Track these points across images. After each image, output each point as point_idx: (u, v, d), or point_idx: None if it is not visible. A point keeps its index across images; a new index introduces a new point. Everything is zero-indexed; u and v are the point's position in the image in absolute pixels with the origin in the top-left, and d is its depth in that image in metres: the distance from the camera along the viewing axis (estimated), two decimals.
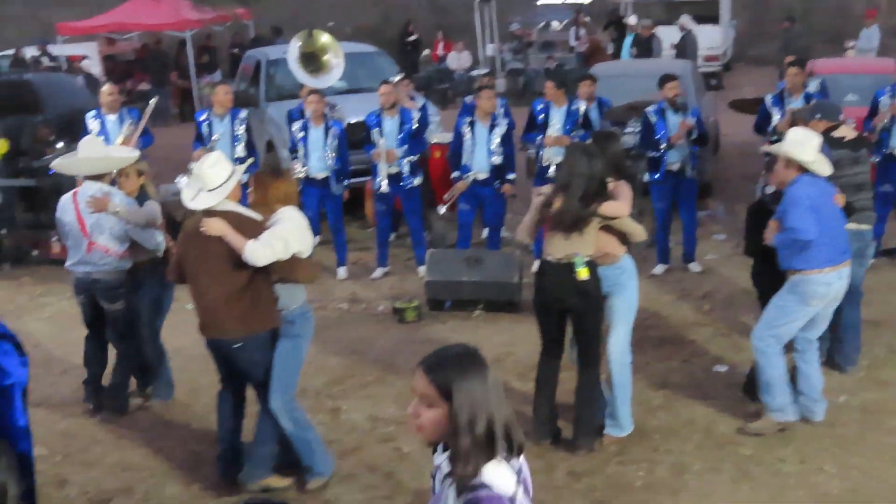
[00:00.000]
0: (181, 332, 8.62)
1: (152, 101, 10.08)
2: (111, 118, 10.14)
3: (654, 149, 9.55)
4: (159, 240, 6.89)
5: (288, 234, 5.49)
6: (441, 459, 2.87)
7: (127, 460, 6.35)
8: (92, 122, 10.12)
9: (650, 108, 9.64)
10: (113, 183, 6.91)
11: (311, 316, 5.92)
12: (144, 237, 6.81)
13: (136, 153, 7.27)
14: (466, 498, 2.72)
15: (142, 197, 6.94)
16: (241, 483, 5.80)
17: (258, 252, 5.38)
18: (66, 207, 6.83)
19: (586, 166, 5.83)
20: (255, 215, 5.60)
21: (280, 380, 5.72)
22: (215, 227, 5.46)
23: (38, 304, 9.58)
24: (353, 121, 11.28)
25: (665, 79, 9.61)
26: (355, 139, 10.65)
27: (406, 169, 9.93)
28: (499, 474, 2.77)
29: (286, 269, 5.55)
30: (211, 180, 5.50)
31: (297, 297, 5.81)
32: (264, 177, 5.81)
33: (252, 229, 5.47)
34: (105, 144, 7.19)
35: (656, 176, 9.63)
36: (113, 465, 6.28)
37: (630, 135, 10.61)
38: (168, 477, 6.11)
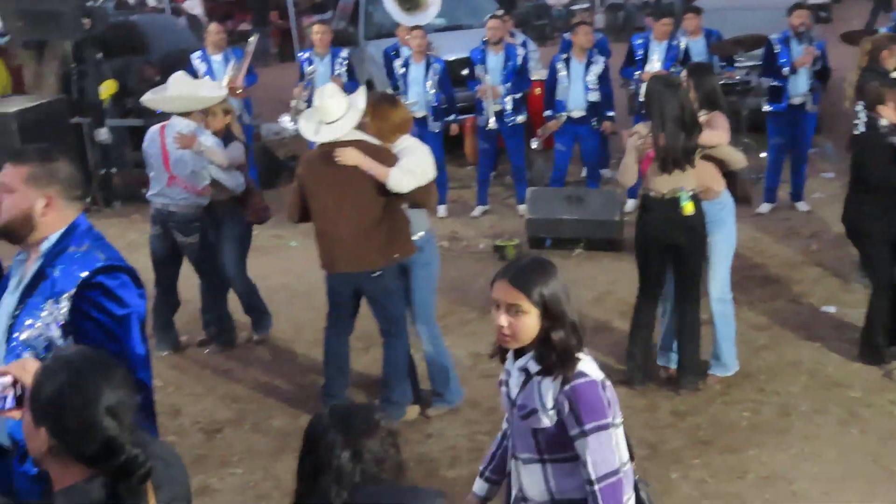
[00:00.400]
0: (283, 269, 8.81)
1: (252, 39, 10.18)
2: (216, 58, 10.29)
3: (777, 76, 9.30)
4: (240, 181, 6.98)
5: (423, 161, 5.52)
6: (522, 363, 3.06)
7: (236, 392, 6.54)
8: (197, 63, 10.28)
9: (774, 37, 9.40)
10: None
11: (435, 242, 6.02)
12: (225, 177, 6.90)
13: (223, 92, 7.37)
14: (570, 386, 2.95)
15: (227, 136, 7.05)
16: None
17: (403, 179, 5.38)
18: (153, 139, 6.99)
19: (674, 98, 5.70)
20: (379, 143, 5.57)
21: (421, 307, 5.86)
22: (351, 156, 5.40)
23: (148, 241, 9.85)
24: (451, 58, 11.23)
25: (794, 7, 9.41)
26: (454, 77, 10.61)
27: (509, 106, 9.87)
28: (587, 363, 3.03)
29: (421, 196, 5.56)
30: (331, 112, 5.48)
31: (423, 223, 5.86)
32: (383, 105, 5.71)
33: (386, 157, 5.45)
34: (193, 81, 7.31)
35: (778, 107, 9.37)
36: (223, 397, 6.48)
37: (739, 70, 10.36)
38: (275, 409, 6.27)
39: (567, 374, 2.96)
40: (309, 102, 10.38)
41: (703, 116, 5.93)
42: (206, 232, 7.02)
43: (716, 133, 5.85)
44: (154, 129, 7.02)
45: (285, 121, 11.21)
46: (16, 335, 3.09)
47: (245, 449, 5.77)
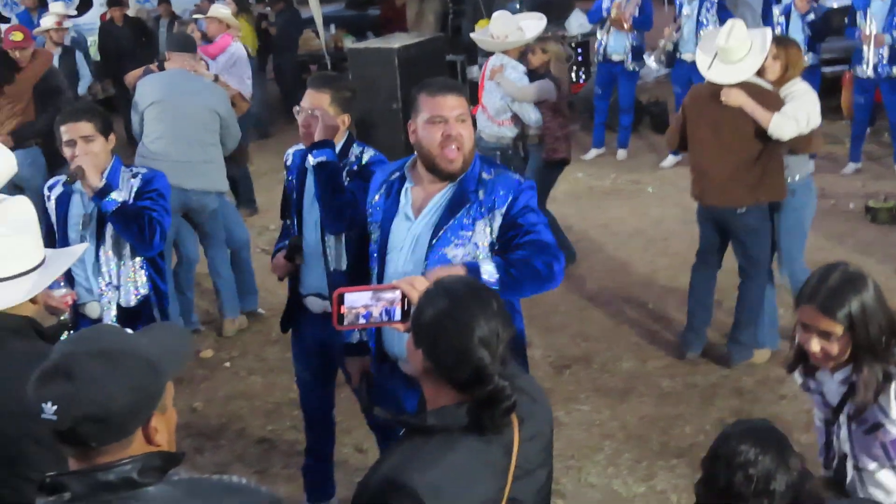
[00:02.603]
0: (640, 214, 8.78)
1: None
2: None
3: None
4: (535, 117, 7.22)
5: (809, 109, 5.43)
6: (842, 376, 2.92)
7: (586, 331, 6.64)
8: None
9: None
10: (525, 54, 7.37)
11: (814, 188, 5.89)
12: (521, 110, 7.25)
13: (538, 31, 7.63)
14: None
15: (541, 75, 7.24)
16: (728, 358, 5.96)
17: (784, 126, 5.37)
18: (480, 70, 7.51)
19: None
20: (770, 86, 5.54)
21: (787, 252, 5.82)
22: (737, 97, 5.46)
23: None
24: (835, 6, 10.56)
25: None
26: (832, 25, 10.00)
27: (885, 56, 9.14)
28: None
29: (802, 143, 5.52)
30: (733, 52, 5.46)
31: (804, 168, 5.77)
32: (790, 45, 5.71)
33: (772, 101, 5.44)
34: (512, 19, 7.60)
35: None
36: (574, 335, 6.60)
37: None
38: (625, 351, 6.31)
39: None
40: (675, 45, 10.22)
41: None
42: (507, 162, 7.26)
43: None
44: (482, 60, 7.64)
45: (650, 63, 11.08)
46: (440, 254, 3.33)
47: (592, 387, 5.87)
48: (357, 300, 2.62)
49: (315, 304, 4.21)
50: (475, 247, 3.32)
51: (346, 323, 2.63)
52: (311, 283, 4.21)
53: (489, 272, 3.15)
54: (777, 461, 2.38)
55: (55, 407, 1.79)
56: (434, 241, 3.33)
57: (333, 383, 4.51)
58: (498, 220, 3.33)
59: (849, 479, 3.07)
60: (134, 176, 4.32)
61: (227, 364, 6.38)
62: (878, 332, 2.80)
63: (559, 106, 7.33)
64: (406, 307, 2.66)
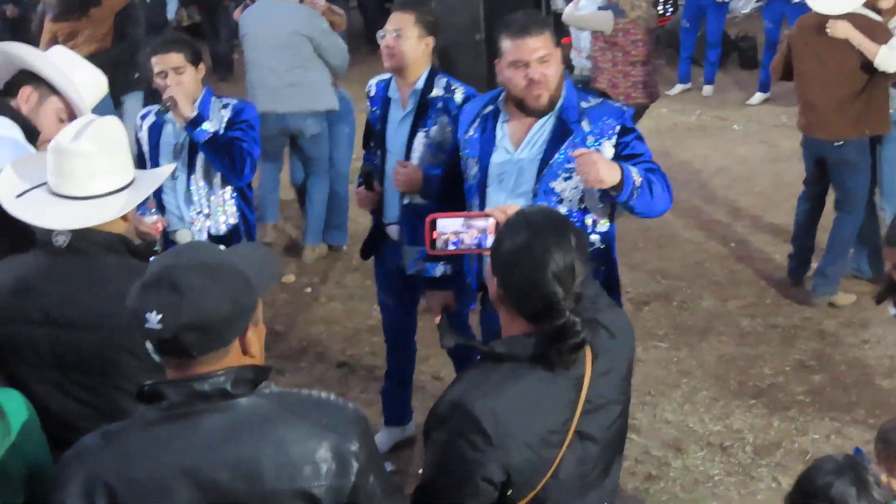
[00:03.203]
0: (725, 151, 8.64)
1: None
2: None
3: None
4: (584, 45, 7.48)
5: None
6: None
7: (667, 269, 6.59)
8: None
9: None
10: None
11: None
12: (576, 39, 7.59)
13: None
14: None
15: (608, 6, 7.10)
16: (811, 295, 5.92)
17: (891, 59, 5.34)
18: None
19: None
20: (880, 19, 5.48)
21: (889, 186, 5.83)
22: (843, 29, 5.42)
23: None
24: None
25: None
26: None
27: None
28: None
29: None
30: None
31: None
32: None
33: (880, 33, 5.40)
34: None
35: None
36: (653, 272, 6.55)
37: None
38: (705, 289, 6.25)
39: None
40: None
41: None
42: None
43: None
44: None
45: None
46: (548, 187, 3.35)
47: (671, 325, 5.84)
48: (449, 226, 2.64)
49: (395, 232, 4.25)
50: (578, 180, 3.32)
51: (437, 248, 2.65)
52: (393, 211, 4.24)
53: (635, 173, 3.18)
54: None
55: (160, 316, 1.85)
56: (542, 174, 3.35)
57: (416, 310, 4.57)
58: (608, 150, 3.32)
59: None
60: (224, 107, 4.37)
61: (308, 289, 6.48)
62: None
63: (615, 40, 6.97)
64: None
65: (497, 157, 3.44)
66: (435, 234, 2.63)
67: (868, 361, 5.32)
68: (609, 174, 3.10)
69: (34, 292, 2.55)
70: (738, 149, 8.73)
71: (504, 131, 3.45)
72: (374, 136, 4.28)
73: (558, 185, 3.34)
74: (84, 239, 2.57)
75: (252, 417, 1.91)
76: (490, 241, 2.64)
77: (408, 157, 4.10)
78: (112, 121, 2.72)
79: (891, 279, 2.92)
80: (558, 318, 2.21)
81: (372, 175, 4.21)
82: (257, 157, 4.34)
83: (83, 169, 2.59)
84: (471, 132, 3.53)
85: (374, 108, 4.26)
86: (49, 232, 2.57)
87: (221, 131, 4.26)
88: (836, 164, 5.76)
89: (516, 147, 3.41)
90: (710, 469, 4.51)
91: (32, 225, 2.61)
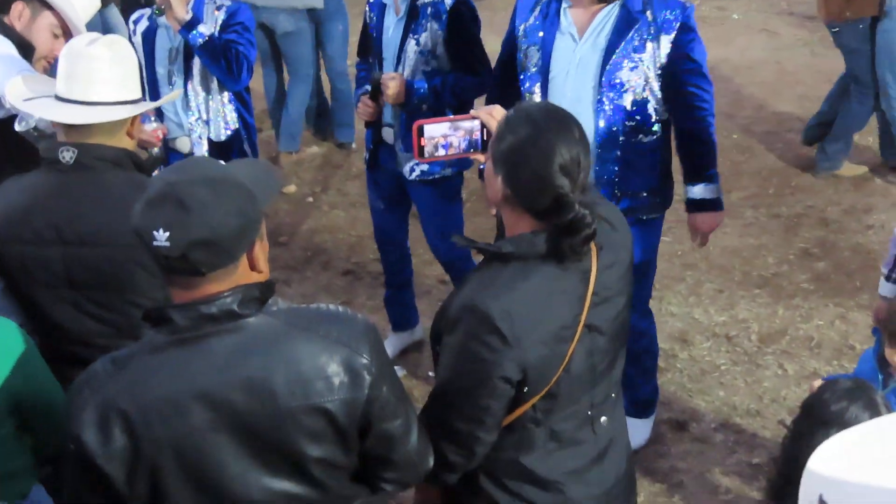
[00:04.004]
0: (725, 41, 8.53)
1: None
2: None
3: None
4: None
5: None
6: None
7: None
8: None
9: None
10: None
11: None
12: None
13: None
14: None
15: None
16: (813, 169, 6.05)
17: None
18: None
19: None
20: None
21: (881, 77, 5.70)
22: None
23: None
24: None
25: None
26: None
27: None
28: None
29: None
30: None
31: None
32: None
33: None
34: None
35: None
36: None
37: None
38: None
39: None
40: None
41: None
42: None
43: None
44: None
45: None
46: (614, 77, 3.38)
47: (675, 218, 5.78)
48: (436, 131, 2.60)
49: (390, 135, 4.22)
50: (648, 69, 3.37)
51: (426, 155, 2.62)
52: (386, 114, 4.20)
53: None
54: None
55: (167, 233, 1.81)
56: (607, 65, 3.36)
57: (407, 214, 4.56)
58: (666, 47, 3.36)
59: None
60: (218, 8, 4.27)
61: (310, 199, 6.47)
62: None
63: None
64: (486, 137, 2.63)
65: (560, 46, 3.42)
66: (423, 141, 2.59)
67: (872, 247, 5.33)
68: None
69: (44, 211, 2.55)
70: (739, 39, 8.61)
71: (568, 18, 3.43)
72: (371, 44, 4.21)
73: (624, 74, 3.37)
74: (90, 154, 2.56)
75: (261, 336, 1.90)
76: (478, 143, 2.60)
77: (398, 65, 4.05)
78: (119, 39, 2.72)
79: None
80: (568, 212, 2.19)
81: (378, 85, 4.11)
82: (253, 59, 4.27)
83: (95, 73, 2.58)
84: (531, 20, 3.49)
85: (372, 14, 4.19)
86: (55, 150, 2.56)
87: (216, 34, 4.19)
88: (840, 49, 5.79)
89: (580, 35, 3.40)
90: (717, 359, 4.57)
91: (38, 146, 2.60)
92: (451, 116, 2.69)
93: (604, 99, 3.40)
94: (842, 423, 2.11)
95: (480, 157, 2.63)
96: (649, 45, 3.36)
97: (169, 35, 4.28)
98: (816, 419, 2.20)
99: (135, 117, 2.68)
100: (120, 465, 1.85)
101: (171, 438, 1.85)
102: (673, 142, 3.62)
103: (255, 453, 1.89)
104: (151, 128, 3.78)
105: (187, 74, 4.27)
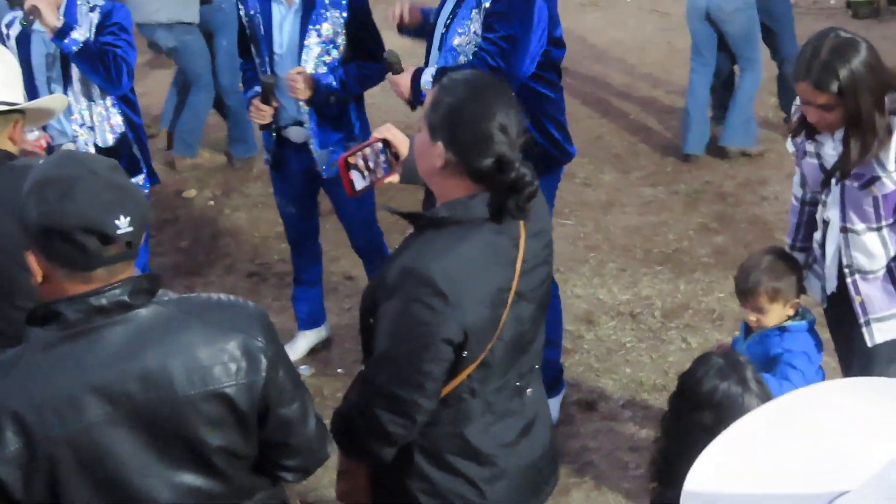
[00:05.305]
0: (618, 23, 8.62)
1: None
2: None
3: None
4: None
5: None
6: (839, 136, 2.98)
7: None
8: None
9: None
10: None
11: None
12: None
13: None
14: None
15: None
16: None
17: None
18: None
19: None
20: None
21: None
22: None
23: None
24: None
25: None
26: None
27: None
28: None
29: None
30: None
31: None
32: None
33: None
34: None
35: None
36: None
37: None
38: (606, 163, 6.31)
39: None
40: None
41: None
42: None
43: None
44: None
45: None
46: (449, 42, 3.59)
47: (576, 201, 5.89)
48: (358, 162, 2.59)
49: (297, 134, 4.17)
50: (475, 35, 3.51)
51: (357, 188, 2.60)
52: (288, 113, 4.15)
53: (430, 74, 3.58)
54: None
55: (128, 218, 1.84)
56: (445, 32, 3.58)
57: (317, 210, 4.52)
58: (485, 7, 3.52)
59: (833, 247, 3.12)
60: (92, 9, 4.12)
61: (212, 202, 6.37)
62: (869, 95, 2.85)
63: None
64: (390, 156, 2.62)
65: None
66: (351, 175, 2.57)
67: (768, 218, 5.46)
68: None
69: None
70: (630, 20, 8.72)
71: None
72: (256, 42, 4.13)
73: (456, 40, 3.59)
74: None
75: (154, 326, 1.90)
76: (384, 167, 2.59)
77: (300, 60, 4.00)
78: (3, 47, 2.68)
79: (803, 115, 3.02)
80: (510, 171, 2.22)
81: (271, 88, 4.04)
82: (134, 62, 4.15)
83: None
84: None
85: (249, 12, 4.10)
86: None
87: (92, 38, 4.05)
88: (724, 23, 5.92)
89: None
90: (622, 337, 4.63)
91: None
92: (361, 143, 2.67)
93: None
94: (713, 405, 2.16)
95: (395, 178, 2.63)
96: (474, 13, 3.54)
97: (44, 40, 4.12)
98: (690, 401, 2.23)
99: (17, 123, 2.62)
100: (16, 468, 1.81)
101: (67, 435, 1.83)
102: None
103: (156, 446, 1.88)
104: (34, 137, 3.68)
105: (67, 81, 4.14)
